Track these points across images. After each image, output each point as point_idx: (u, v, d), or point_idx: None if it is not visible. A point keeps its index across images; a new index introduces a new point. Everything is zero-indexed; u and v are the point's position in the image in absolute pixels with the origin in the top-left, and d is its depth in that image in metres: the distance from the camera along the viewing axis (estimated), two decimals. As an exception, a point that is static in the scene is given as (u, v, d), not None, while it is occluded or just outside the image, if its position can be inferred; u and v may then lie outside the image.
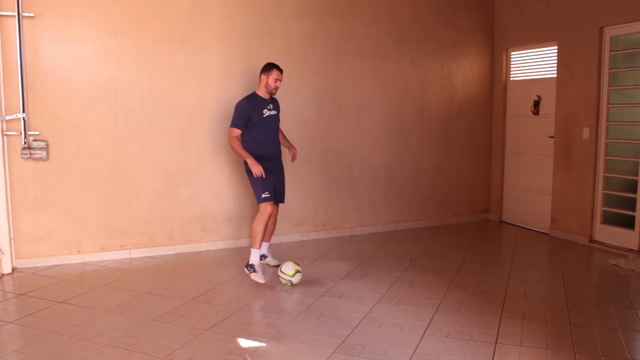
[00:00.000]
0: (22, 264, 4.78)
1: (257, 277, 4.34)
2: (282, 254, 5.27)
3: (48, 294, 4.13)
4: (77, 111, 4.84)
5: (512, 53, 6.55)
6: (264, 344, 3.29)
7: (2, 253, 4.59)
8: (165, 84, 5.11)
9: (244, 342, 3.32)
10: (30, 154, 4.67)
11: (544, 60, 6.13)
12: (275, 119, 4.67)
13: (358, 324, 3.56)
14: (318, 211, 5.91)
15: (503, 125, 6.68)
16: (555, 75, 5.89)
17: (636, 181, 5.15)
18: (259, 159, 4.46)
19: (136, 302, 4.00)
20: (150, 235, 5.17)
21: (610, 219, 5.48)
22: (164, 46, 5.07)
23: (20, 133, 4.64)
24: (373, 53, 6.01)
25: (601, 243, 5.48)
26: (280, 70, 4.55)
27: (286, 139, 4.92)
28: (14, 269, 4.71)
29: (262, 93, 4.57)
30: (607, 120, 5.40)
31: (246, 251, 5.35)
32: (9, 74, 4.58)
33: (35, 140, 4.70)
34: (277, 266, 4.61)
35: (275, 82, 4.52)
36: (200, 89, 5.23)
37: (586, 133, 5.53)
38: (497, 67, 6.69)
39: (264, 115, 4.54)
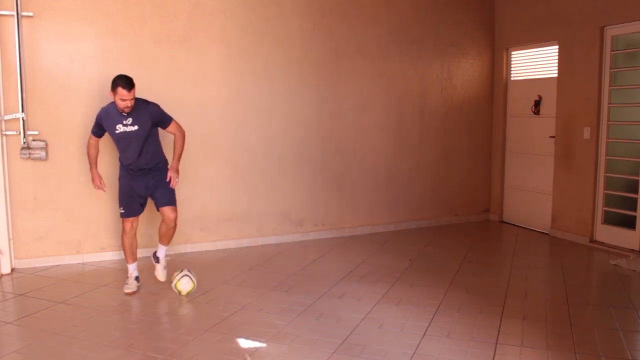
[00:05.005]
0: (21, 264, 4.77)
1: (125, 287, 4.19)
2: (281, 253, 5.27)
3: (47, 294, 4.12)
4: (77, 111, 4.83)
5: (513, 53, 6.54)
6: (264, 344, 3.28)
7: (2, 253, 4.58)
8: (165, 84, 5.09)
9: (244, 342, 3.31)
10: (30, 153, 4.66)
11: (545, 60, 6.12)
12: (134, 135, 4.01)
13: (358, 324, 3.55)
14: (318, 211, 5.90)
15: (503, 125, 6.67)
16: (555, 75, 5.88)
17: (637, 181, 5.14)
18: (124, 168, 4.18)
19: (136, 302, 3.99)
20: (150, 235, 5.16)
21: (611, 219, 5.47)
22: (164, 46, 5.06)
23: (19, 133, 4.63)
24: (373, 53, 6.00)
25: (602, 243, 5.47)
26: (128, 88, 3.86)
27: (176, 152, 4.22)
28: (13, 270, 4.70)
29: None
30: (608, 120, 5.39)
31: (246, 251, 5.36)
32: (8, 74, 4.57)
33: (34, 140, 4.69)
34: (161, 281, 4.33)
35: (123, 101, 3.88)
36: (200, 89, 5.23)
37: (587, 133, 5.52)
38: (497, 66, 6.68)
39: (117, 132, 4.02)
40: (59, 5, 4.70)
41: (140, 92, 5.02)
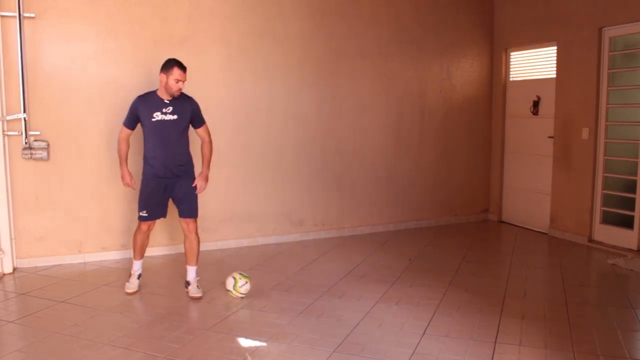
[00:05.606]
0: (23, 263, 4.79)
1: (127, 286, 4.18)
2: (282, 253, 5.29)
3: (49, 294, 4.14)
4: (78, 111, 4.85)
5: (512, 53, 6.56)
6: (264, 344, 3.30)
7: (3, 253, 4.60)
8: (165, 84, 5.12)
9: (244, 342, 3.33)
10: (31, 154, 4.68)
11: (544, 60, 6.14)
12: (171, 125, 3.99)
13: (358, 324, 3.57)
14: (318, 211, 5.92)
15: (502, 125, 6.69)
16: (554, 76, 5.90)
17: (635, 181, 5.16)
18: (151, 166, 4.04)
19: (137, 302, 4.01)
20: (151, 235, 5.17)
21: (610, 219, 5.49)
22: (164, 46, 5.07)
23: (21, 133, 4.65)
24: (373, 53, 6.02)
25: (600, 243, 5.49)
26: (183, 69, 3.94)
27: (206, 158, 4.19)
28: (15, 269, 4.72)
29: (161, 94, 4.00)
30: (606, 121, 5.41)
31: (246, 251, 5.38)
32: (10, 74, 4.59)
33: (36, 141, 4.70)
34: (199, 298, 4.04)
35: (177, 82, 3.92)
36: (200, 89, 5.22)
37: (585, 133, 5.54)
38: (496, 67, 6.70)
39: (153, 119, 3.96)
40: (60, 6, 4.72)
41: (140, 91, 5.04)
